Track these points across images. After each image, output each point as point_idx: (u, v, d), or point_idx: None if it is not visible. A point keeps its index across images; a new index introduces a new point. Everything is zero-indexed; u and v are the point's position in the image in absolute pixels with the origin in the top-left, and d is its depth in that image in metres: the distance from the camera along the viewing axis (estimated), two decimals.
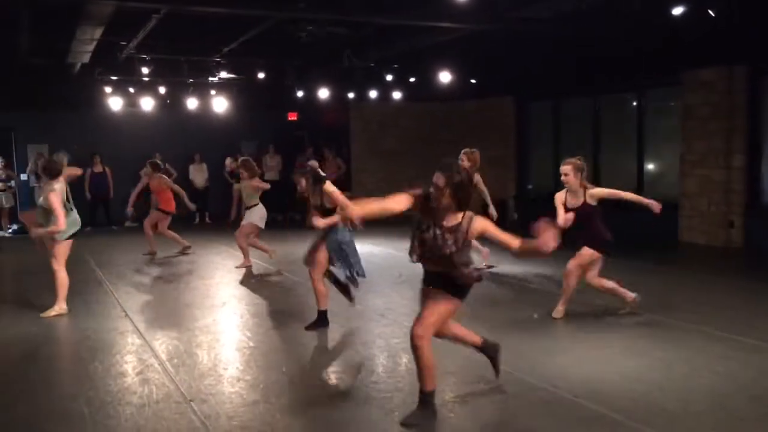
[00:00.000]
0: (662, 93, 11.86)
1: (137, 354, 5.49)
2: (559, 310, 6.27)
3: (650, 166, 12.00)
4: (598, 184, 7.01)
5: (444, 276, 3.99)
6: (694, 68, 10.59)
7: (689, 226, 10.99)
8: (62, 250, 6.78)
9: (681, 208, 11.04)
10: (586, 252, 6.09)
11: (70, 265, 6.94)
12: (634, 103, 12.18)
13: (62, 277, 6.79)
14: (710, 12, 8.12)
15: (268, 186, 9.40)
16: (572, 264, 6.16)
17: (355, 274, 6.01)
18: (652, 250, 10.11)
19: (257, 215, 9.15)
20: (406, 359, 5.29)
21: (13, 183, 14.07)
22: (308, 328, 6.07)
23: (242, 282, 8.50)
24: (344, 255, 5.94)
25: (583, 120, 13.08)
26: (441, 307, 4.01)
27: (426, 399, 4.01)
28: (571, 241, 5.52)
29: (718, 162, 10.54)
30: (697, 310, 6.55)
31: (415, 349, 3.96)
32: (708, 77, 10.51)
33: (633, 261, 9.23)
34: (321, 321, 6.09)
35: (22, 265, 9.82)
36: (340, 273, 5.94)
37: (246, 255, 9.30)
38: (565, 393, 4.43)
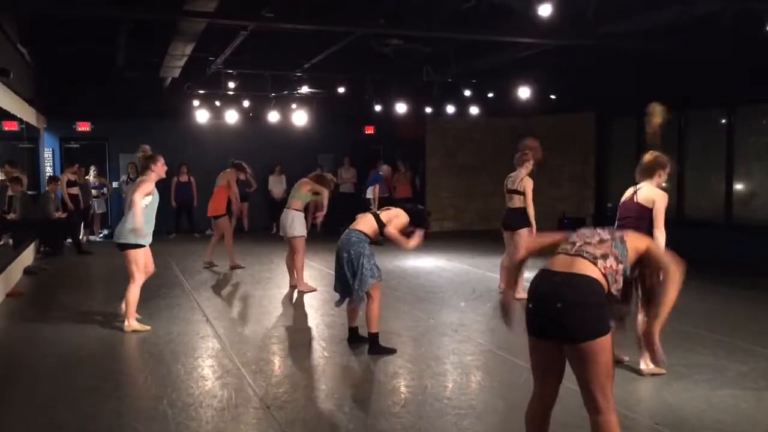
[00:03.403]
0: (755, 110, 11.33)
1: (217, 358, 5.68)
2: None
3: (739, 186, 11.46)
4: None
5: None
6: None
7: None
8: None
9: None
10: None
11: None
12: (723, 121, 11.68)
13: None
14: None
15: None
16: None
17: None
18: (740, 275, 9.62)
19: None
20: (480, 376, 5.26)
21: (105, 190, 14.93)
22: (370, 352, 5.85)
23: (318, 293, 8.64)
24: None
25: (667, 137, 12.61)
26: None
27: None
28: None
29: None
30: None
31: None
32: None
33: (716, 286, 8.83)
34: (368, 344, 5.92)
35: (110, 268, 10.32)
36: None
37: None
38: (645, 419, 4.28)
